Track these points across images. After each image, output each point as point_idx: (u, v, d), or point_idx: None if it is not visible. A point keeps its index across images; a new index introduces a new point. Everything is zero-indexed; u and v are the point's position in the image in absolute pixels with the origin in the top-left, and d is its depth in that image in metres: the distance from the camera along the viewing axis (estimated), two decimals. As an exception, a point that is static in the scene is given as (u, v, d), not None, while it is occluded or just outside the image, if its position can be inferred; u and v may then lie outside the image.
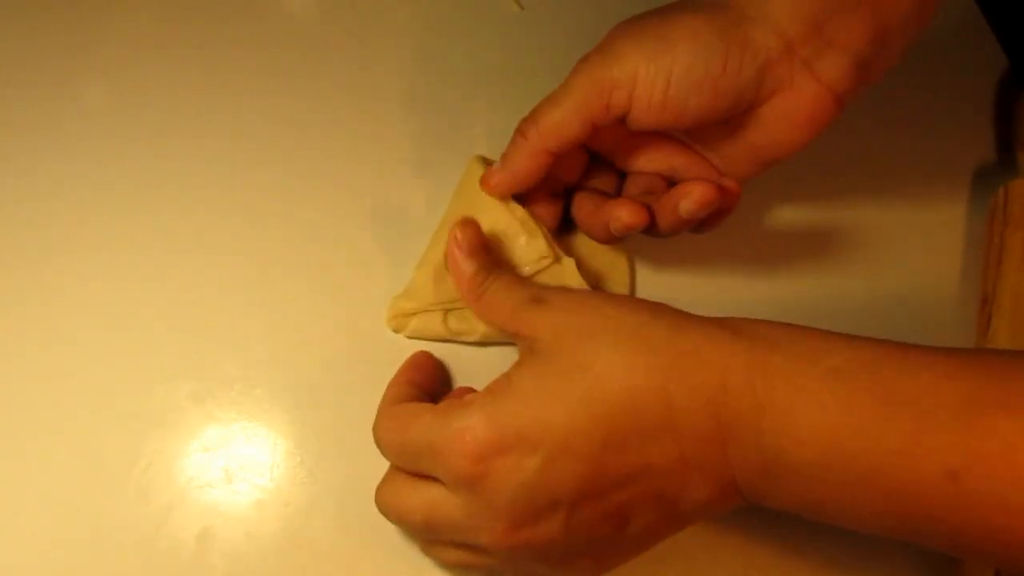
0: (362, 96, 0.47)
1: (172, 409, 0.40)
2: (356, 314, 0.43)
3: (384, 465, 0.40)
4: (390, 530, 0.39)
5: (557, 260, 0.40)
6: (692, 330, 0.32)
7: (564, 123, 0.37)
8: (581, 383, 0.31)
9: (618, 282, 0.43)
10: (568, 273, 0.40)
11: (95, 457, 0.39)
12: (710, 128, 0.38)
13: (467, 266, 0.37)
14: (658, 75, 0.35)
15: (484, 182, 0.40)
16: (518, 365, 0.33)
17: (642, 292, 0.44)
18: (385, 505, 0.35)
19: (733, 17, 0.36)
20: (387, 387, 0.38)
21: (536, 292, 0.35)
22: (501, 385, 0.32)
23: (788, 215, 0.47)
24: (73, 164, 0.45)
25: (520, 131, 0.38)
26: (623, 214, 0.38)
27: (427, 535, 0.36)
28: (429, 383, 0.39)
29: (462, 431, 0.31)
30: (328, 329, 0.42)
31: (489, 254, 0.38)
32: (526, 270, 0.40)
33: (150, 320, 0.42)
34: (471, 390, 0.36)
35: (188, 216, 0.44)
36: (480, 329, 0.41)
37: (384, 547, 0.39)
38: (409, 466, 0.34)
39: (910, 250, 0.47)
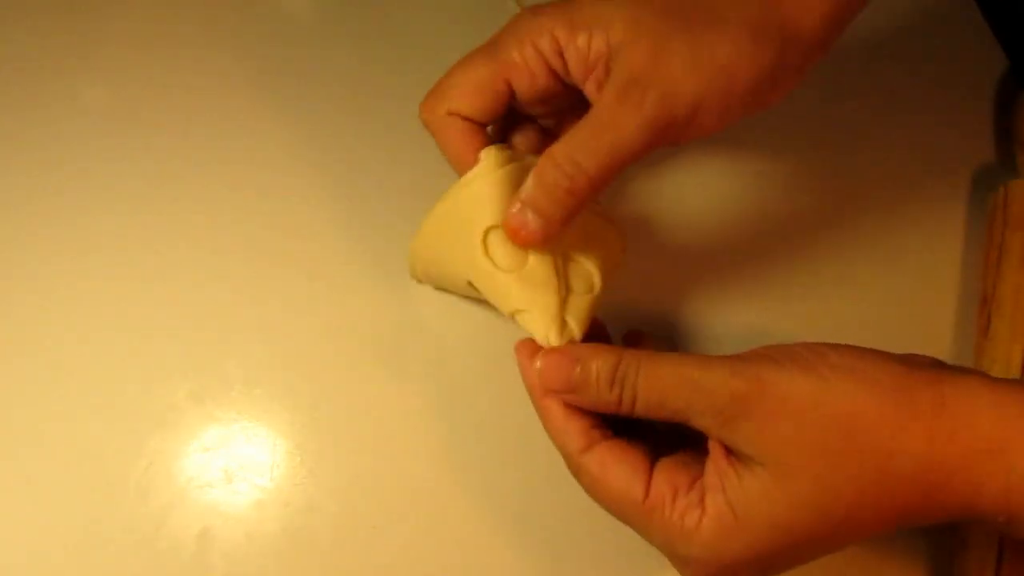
0: (362, 96, 0.47)
1: (172, 409, 0.40)
2: (356, 314, 0.43)
3: (384, 466, 0.40)
4: (390, 530, 0.39)
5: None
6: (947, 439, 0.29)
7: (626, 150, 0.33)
8: (828, 523, 0.29)
9: (612, 251, 0.40)
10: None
11: (95, 457, 0.39)
12: None
13: (591, 378, 0.32)
14: (719, 100, 0.34)
15: (514, 236, 0.34)
16: (726, 480, 0.30)
17: (642, 293, 0.44)
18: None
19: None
20: (550, 428, 0.34)
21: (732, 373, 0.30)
22: (722, 512, 0.30)
23: (788, 215, 0.47)
24: (72, 164, 0.45)
25: (561, 172, 0.33)
26: None
27: None
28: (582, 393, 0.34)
29: (686, 561, 0.31)
30: (328, 329, 0.42)
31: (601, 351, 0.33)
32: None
33: (150, 320, 0.42)
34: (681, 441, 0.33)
35: (188, 216, 0.44)
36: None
37: (384, 547, 0.39)
38: None
39: (910, 250, 0.47)
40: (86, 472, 0.39)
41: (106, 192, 0.44)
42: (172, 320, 0.42)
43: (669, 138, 0.33)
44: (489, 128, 0.38)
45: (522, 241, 0.34)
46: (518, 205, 0.34)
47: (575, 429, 0.33)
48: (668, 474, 0.32)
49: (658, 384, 0.31)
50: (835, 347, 0.31)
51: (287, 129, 0.46)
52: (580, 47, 0.34)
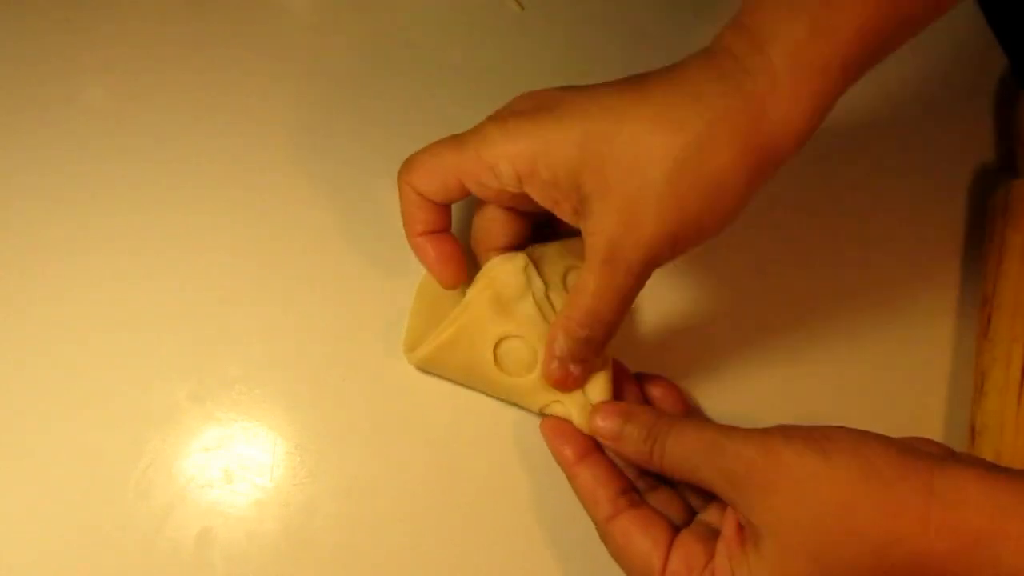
0: (362, 96, 0.47)
1: (172, 409, 0.40)
2: (357, 314, 0.43)
3: (384, 466, 0.40)
4: (390, 530, 0.39)
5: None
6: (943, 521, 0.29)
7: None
8: None
9: None
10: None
11: (95, 457, 0.39)
12: None
13: (632, 431, 0.36)
14: (703, 226, 0.34)
15: (561, 384, 0.37)
16: (735, 563, 0.32)
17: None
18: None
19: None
20: (581, 494, 0.37)
21: (733, 448, 0.32)
22: None
23: (787, 215, 0.47)
24: (72, 164, 0.45)
25: (584, 327, 0.36)
26: None
27: None
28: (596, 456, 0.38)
29: None
30: (328, 329, 0.42)
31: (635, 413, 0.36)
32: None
33: (150, 320, 0.42)
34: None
35: (188, 216, 0.44)
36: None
37: (384, 547, 0.39)
38: None
39: (910, 250, 0.47)
40: (86, 472, 0.39)
41: (106, 192, 0.44)
42: (172, 320, 0.42)
43: (664, 263, 0.35)
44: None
45: (569, 387, 0.37)
46: (556, 362, 0.37)
47: (603, 497, 0.36)
48: (686, 549, 0.34)
49: (683, 444, 0.34)
50: (842, 428, 0.32)
51: (288, 129, 0.46)
52: (544, 182, 0.35)
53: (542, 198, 0.35)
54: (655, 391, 0.41)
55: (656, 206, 0.33)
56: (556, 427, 0.38)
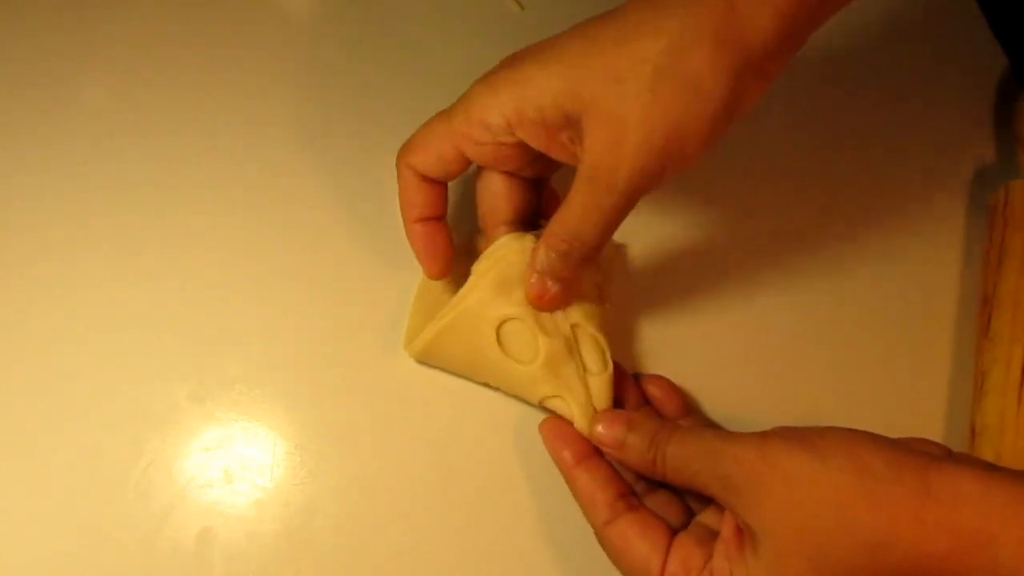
0: (362, 96, 0.47)
1: (172, 409, 0.40)
2: (356, 314, 0.43)
3: (384, 466, 0.40)
4: (390, 530, 0.39)
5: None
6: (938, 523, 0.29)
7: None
8: None
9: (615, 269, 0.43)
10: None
11: (95, 457, 0.39)
12: None
13: (635, 440, 0.36)
14: (692, 136, 0.34)
15: (538, 301, 0.37)
16: (733, 565, 0.32)
17: (638, 291, 0.44)
18: None
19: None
20: (580, 497, 0.37)
21: (731, 449, 0.33)
22: None
23: (787, 215, 0.47)
24: (72, 164, 0.45)
25: (567, 244, 0.36)
26: None
27: None
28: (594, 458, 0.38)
29: None
30: (328, 329, 0.42)
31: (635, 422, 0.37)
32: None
33: (150, 320, 0.42)
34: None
35: (188, 216, 0.44)
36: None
37: (384, 547, 0.39)
38: None
39: (910, 250, 0.47)
40: (86, 472, 0.39)
41: (106, 192, 0.44)
42: (172, 320, 0.42)
43: (653, 186, 0.35)
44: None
45: (547, 304, 0.37)
46: (535, 275, 0.37)
47: (601, 501, 0.36)
48: (684, 551, 0.34)
49: (684, 451, 0.34)
50: (837, 428, 0.32)
51: (287, 129, 0.46)
52: (534, 121, 0.35)
53: (537, 141, 0.36)
54: (654, 391, 0.41)
55: (639, 116, 0.33)
56: (555, 429, 0.38)
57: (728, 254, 0.46)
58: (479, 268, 0.39)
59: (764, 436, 0.32)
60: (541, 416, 0.39)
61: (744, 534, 0.32)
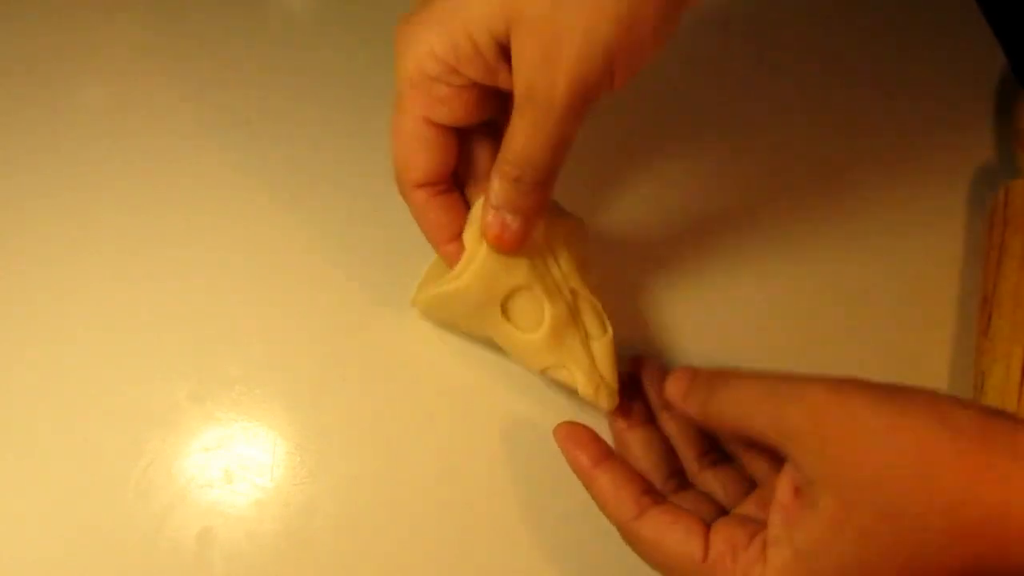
0: (362, 96, 0.47)
1: (172, 409, 0.40)
2: (356, 314, 0.43)
3: (384, 466, 0.40)
4: (390, 530, 0.39)
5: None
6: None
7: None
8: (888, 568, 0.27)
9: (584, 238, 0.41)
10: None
11: (95, 457, 0.39)
12: None
13: (696, 388, 0.34)
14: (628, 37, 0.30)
15: (498, 241, 0.35)
16: (793, 529, 0.29)
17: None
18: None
19: None
20: (601, 498, 0.34)
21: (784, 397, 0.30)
22: (787, 562, 0.29)
23: (787, 214, 0.47)
24: (72, 163, 0.45)
25: (519, 170, 0.33)
26: None
27: None
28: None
29: None
30: (328, 329, 0.42)
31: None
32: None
33: (150, 320, 0.42)
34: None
35: (188, 216, 0.44)
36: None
37: (384, 547, 0.39)
38: None
39: (910, 250, 0.47)
40: (86, 472, 0.39)
41: (106, 192, 0.44)
42: (172, 320, 0.42)
43: (599, 93, 0.32)
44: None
45: (508, 244, 0.35)
46: (492, 211, 0.34)
47: (627, 497, 0.33)
48: (726, 532, 0.31)
49: (740, 393, 0.32)
50: (917, 388, 0.30)
51: (287, 128, 0.46)
52: (470, 56, 0.32)
53: (483, 76, 0.33)
54: (651, 374, 0.40)
55: (573, 15, 0.29)
56: (571, 434, 0.36)
57: (726, 263, 0.46)
58: (469, 234, 0.37)
59: (836, 380, 0.29)
60: (543, 415, 0.39)
61: (804, 494, 0.29)
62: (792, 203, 0.47)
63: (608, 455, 0.35)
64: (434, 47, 0.32)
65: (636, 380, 0.41)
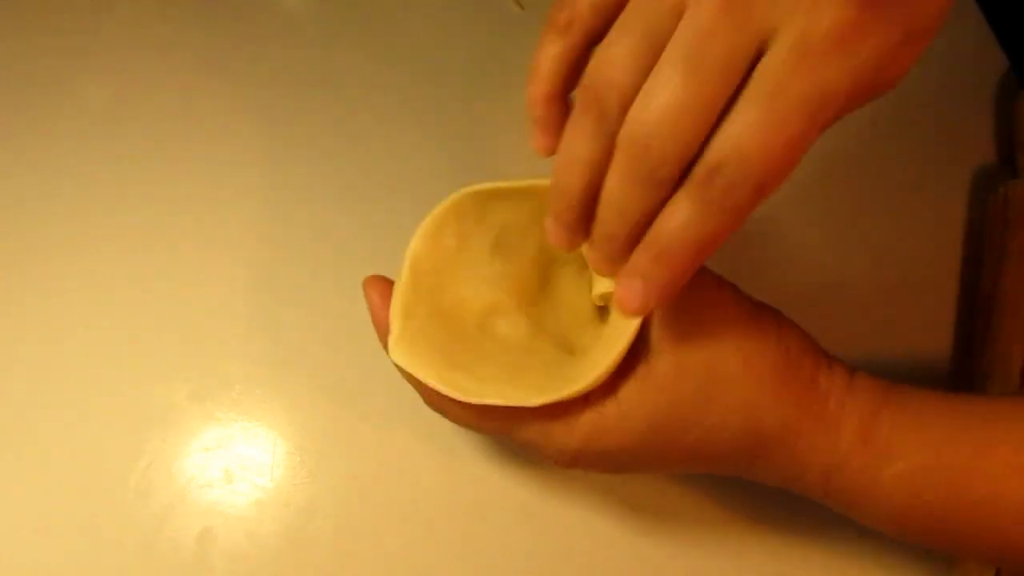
0: (362, 97, 0.47)
1: (172, 409, 0.40)
2: (356, 314, 0.43)
3: (384, 466, 0.40)
4: (390, 530, 0.39)
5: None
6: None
7: None
8: (692, 433, 0.30)
9: None
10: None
11: (95, 457, 0.39)
12: None
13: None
14: None
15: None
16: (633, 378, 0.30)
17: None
18: None
19: None
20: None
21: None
22: (610, 411, 0.30)
23: (788, 215, 0.47)
24: (72, 163, 0.45)
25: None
26: None
27: None
28: None
29: (561, 451, 0.31)
30: (328, 329, 0.42)
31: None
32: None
33: (151, 320, 0.42)
34: None
35: (188, 216, 0.44)
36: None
37: (384, 547, 0.39)
38: None
39: (910, 250, 0.47)
40: (86, 472, 0.39)
41: (106, 192, 0.44)
42: (173, 320, 0.42)
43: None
44: None
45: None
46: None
47: None
48: None
49: None
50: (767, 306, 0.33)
51: (287, 129, 0.46)
52: None
53: None
54: None
55: None
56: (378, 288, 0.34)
57: (723, 253, 0.46)
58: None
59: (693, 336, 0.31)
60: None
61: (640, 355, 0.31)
62: (792, 203, 0.47)
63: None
64: None
65: None
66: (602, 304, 0.33)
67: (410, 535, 0.39)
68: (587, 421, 0.30)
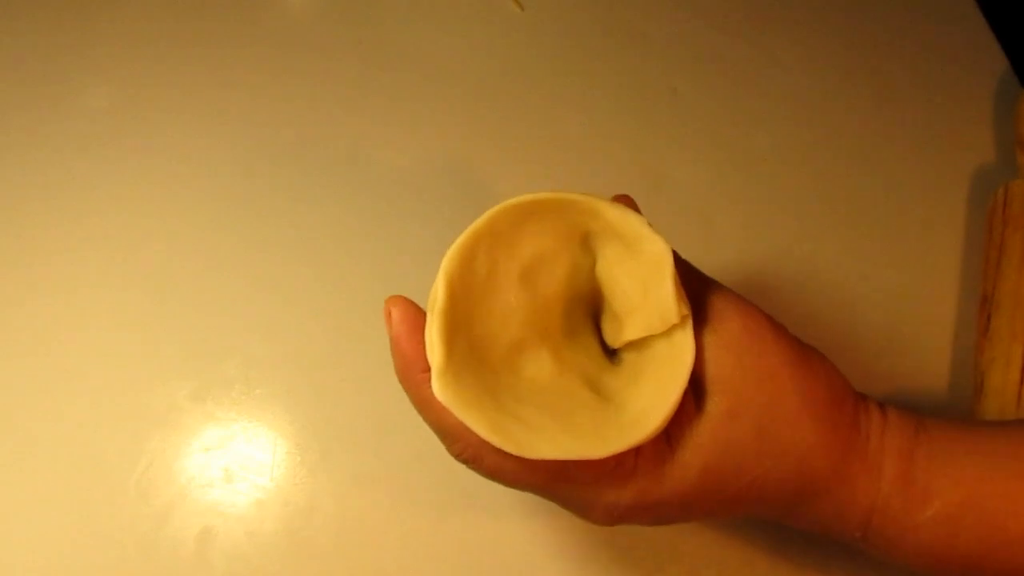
0: (362, 97, 0.47)
1: (172, 409, 0.40)
2: (356, 314, 0.43)
3: (384, 466, 0.40)
4: (390, 531, 0.39)
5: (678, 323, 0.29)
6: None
7: None
8: (738, 484, 0.30)
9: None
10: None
11: (95, 457, 0.39)
12: None
13: None
14: None
15: None
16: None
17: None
18: None
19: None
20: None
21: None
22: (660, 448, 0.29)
23: (787, 214, 0.47)
24: (73, 163, 0.45)
25: None
26: None
27: None
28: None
29: (614, 505, 0.29)
30: (328, 330, 0.42)
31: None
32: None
33: (151, 320, 0.42)
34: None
35: (189, 217, 0.44)
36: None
37: (384, 547, 0.39)
38: None
39: (910, 250, 0.47)
40: (86, 472, 0.39)
41: (107, 192, 0.44)
42: (173, 320, 0.42)
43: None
44: None
45: None
46: None
47: None
48: None
49: None
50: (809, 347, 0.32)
51: (287, 130, 0.46)
52: None
53: None
54: None
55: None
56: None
57: (723, 253, 0.46)
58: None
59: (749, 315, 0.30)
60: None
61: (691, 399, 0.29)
62: (792, 203, 0.47)
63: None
64: None
65: None
66: (619, 347, 0.32)
67: (409, 535, 0.39)
68: (641, 473, 0.29)
